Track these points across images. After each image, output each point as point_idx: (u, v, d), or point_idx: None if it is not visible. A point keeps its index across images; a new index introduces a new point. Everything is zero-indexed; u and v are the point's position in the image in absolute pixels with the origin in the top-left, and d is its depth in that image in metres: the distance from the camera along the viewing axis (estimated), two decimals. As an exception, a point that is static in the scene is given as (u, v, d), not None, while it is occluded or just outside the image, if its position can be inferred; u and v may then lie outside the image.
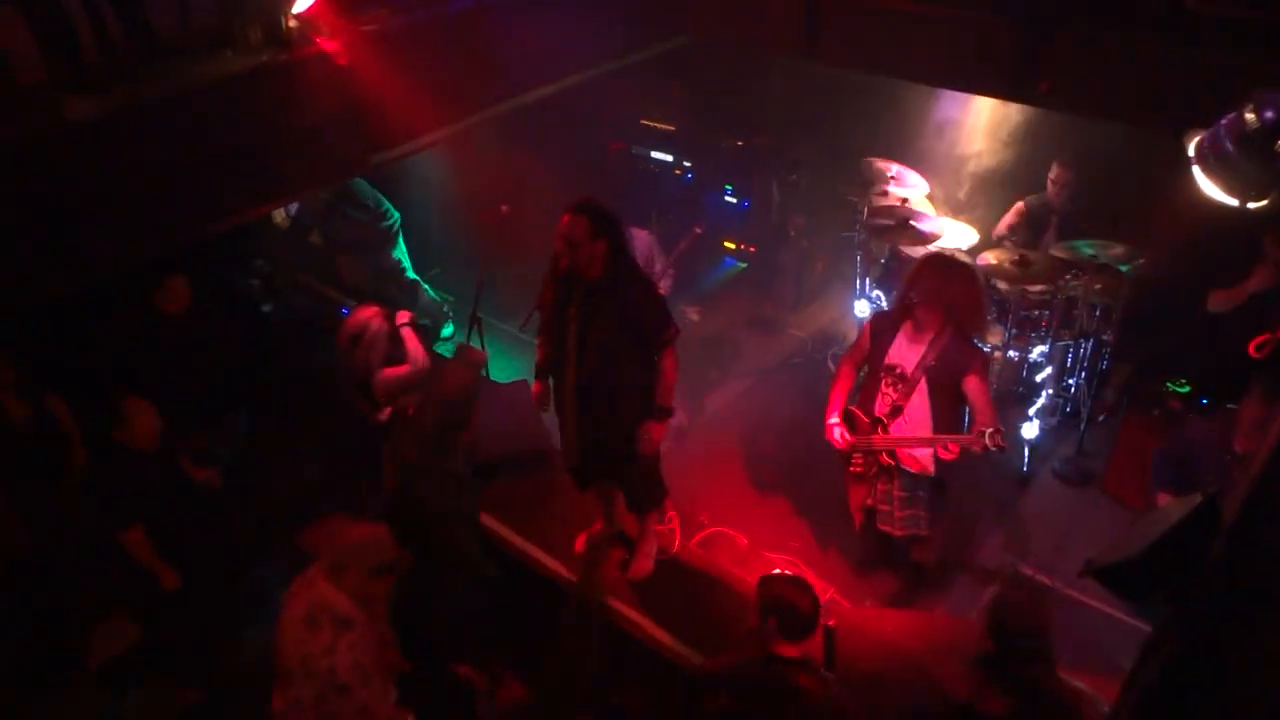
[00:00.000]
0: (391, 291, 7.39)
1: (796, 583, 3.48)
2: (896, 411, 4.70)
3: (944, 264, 4.67)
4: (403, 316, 4.95)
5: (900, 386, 4.68)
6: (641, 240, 6.33)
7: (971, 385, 4.51)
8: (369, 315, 4.76)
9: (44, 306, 4.65)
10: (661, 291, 6.07)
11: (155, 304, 5.21)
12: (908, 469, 4.79)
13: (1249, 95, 2.97)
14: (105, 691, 5.12)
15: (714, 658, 4.37)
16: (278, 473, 6.20)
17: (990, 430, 4.34)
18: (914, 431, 4.68)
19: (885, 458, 4.80)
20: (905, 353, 4.68)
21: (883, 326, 4.82)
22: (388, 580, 3.72)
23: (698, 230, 6.46)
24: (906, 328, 4.69)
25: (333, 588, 3.64)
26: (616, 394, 4.40)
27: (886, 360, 4.73)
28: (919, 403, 4.65)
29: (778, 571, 3.63)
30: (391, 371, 4.80)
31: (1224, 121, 3.08)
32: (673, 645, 4.77)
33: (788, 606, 3.36)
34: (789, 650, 3.39)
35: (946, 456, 4.57)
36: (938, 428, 4.63)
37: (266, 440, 6.25)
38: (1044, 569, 5.54)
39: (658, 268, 6.33)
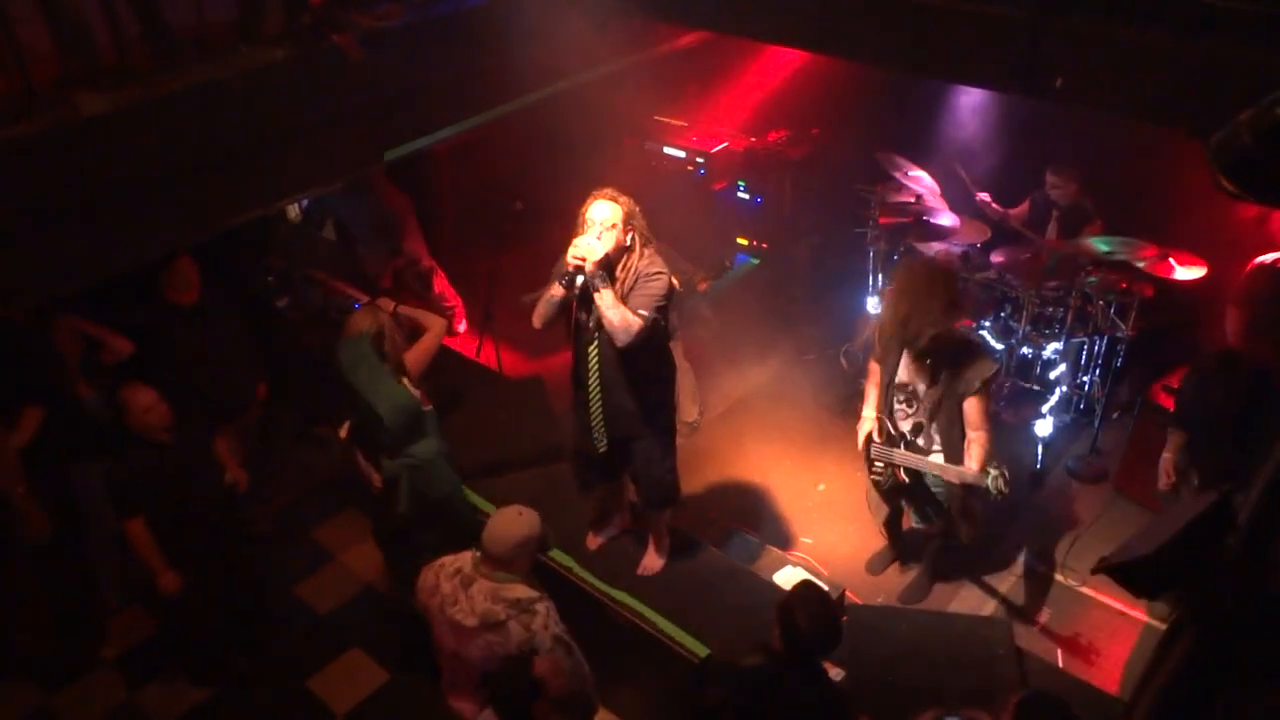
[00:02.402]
0: (409, 279, 7.41)
1: (808, 602, 3.42)
2: (918, 429, 4.67)
3: (899, 282, 4.56)
4: (388, 303, 4.95)
5: (918, 407, 4.63)
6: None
7: (971, 406, 4.48)
8: (370, 312, 4.69)
9: (59, 299, 4.69)
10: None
11: (168, 298, 5.22)
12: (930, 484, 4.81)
13: (1270, 91, 2.95)
14: (122, 683, 5.16)
15: (727, 653, 4.38)
16: (293, 467, 6.24)
17: (994, 474, 4.37)
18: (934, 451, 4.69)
19: (901, 474, 4.77)
20: (913, 370, 4.61)
21: (887, 338, 4.72)
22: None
23: (726, 265, 6.53)
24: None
25: (493, 582, 3.60)
26: (637, 371, 4.40)
27: (897, 380, 4.68)
28: (933, 423, 4.63)
29: (807, 584, 3.63)
30: (416, 352, 4.80)
31: (1243, 117, 3.06)
32: (684, 641, 4.78)
33: (788, 622, 3.35)
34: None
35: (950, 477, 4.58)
36: (949, 452, 4.61)
37: (282, 434, 6.29)
38: (1057, 566, 5.53)
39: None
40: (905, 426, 4.71)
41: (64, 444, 4.96)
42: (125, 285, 4.93)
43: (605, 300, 4.09)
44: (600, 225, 4.14)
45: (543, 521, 3.69)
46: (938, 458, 4.64)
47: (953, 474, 4.50)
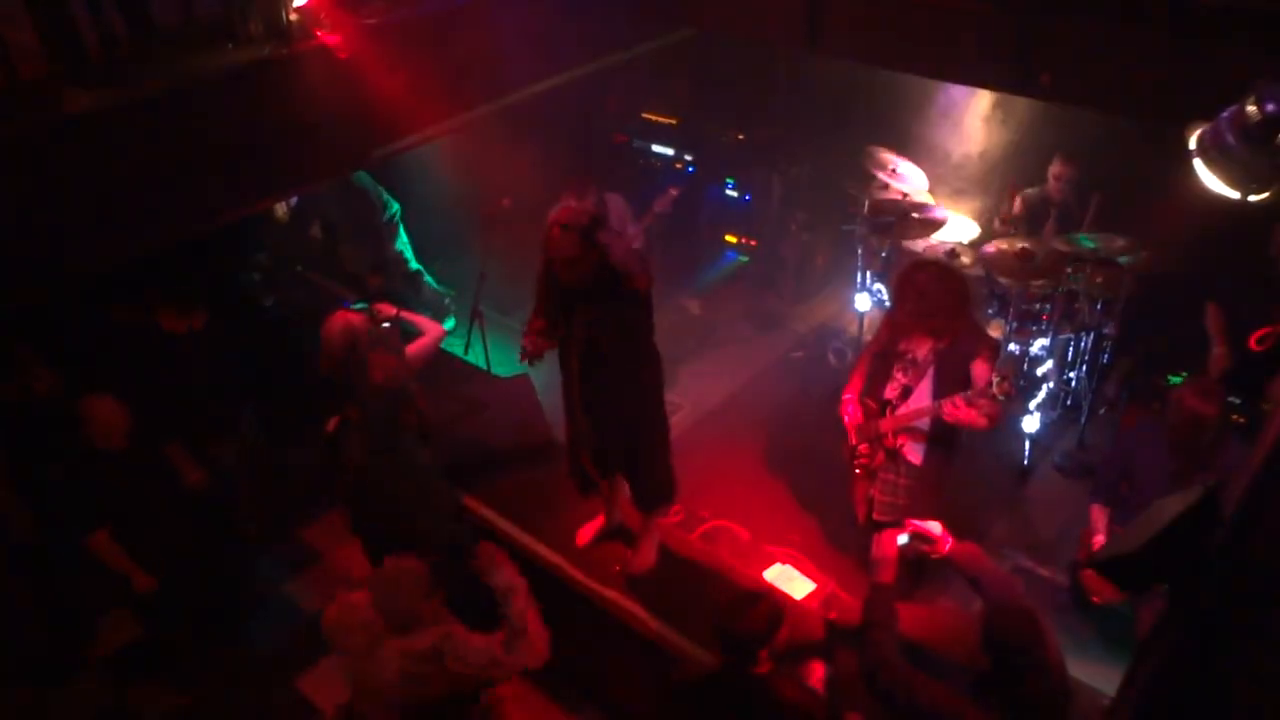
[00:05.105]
0: (395, 283, 7.40)
1: (736, 608, 3.48)
2: (906, 393, 4.70)
3: (915, 280, 4.60)
4: (387, 309, 4.95)
5: (911, 371, 4.69)
6: (615, 204, 6.33)
7: (979, 368, 4.51)
8: (342, 317, 4.65)
9: (44, 304, 4.67)
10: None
11: (161, 325, 5.20)
12: (908, 458, 4.80)
13: (1251, 87, 2.97)
14: (110, 684, 5.14)
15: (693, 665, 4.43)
16: (282, 467, 6.22)
17: (997, 379, 4.26)
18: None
19: (890, 440, 4.79)
20: (917, 341, 4.68)
21: (901, 314, 4.81)
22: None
23: (673, 192, 6.42)
24: None
25: (399, 639, 3.68)
26: (622, 381, 4.42)
27: (900, 347, 4.74)
28: (925, 386, 4.65)
29: (742, 595, 3.66)
30: (411, 352, 4.78)
31: (1225, 114, 3.08)
32: (673, 639, 4.78)
33: (721, 630, 3.43)
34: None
35: (947, 417, 4.53)
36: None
37: (272, 436, 6.26)
38: (1044, 562, 5.55)
39: (631, 230, 6.32)
40: (894, 395, 4.75)
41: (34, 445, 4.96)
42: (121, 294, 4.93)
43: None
44: (564, 260, 4.17)
45: (427, 567, 3.75)
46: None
47: (948, 403, 4.49)
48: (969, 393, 4.41)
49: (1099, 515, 4.86)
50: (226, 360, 5.47)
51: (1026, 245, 6.08)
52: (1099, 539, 4.81)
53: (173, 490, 4.92)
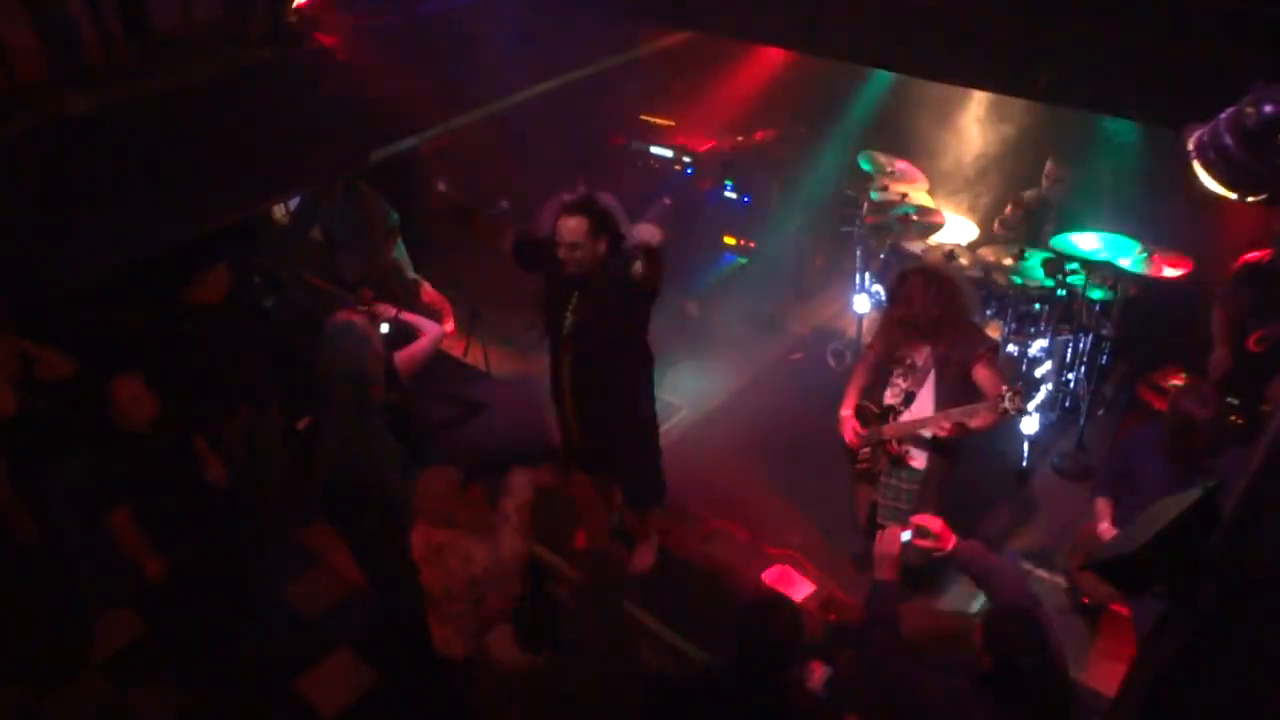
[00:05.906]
0: (392, 289, 7.39)
1: (765, 613, 3.44)
2: (909, 398, 4.69)
3: (901, 286, 4.64)
4: (387, 310, 4.94)
5: (912, 376, 4.68)
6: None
7: (981, 373, 4.49)
8: (344, 317, 4.65)
9: (50, 299, 4.67)
10: None
11: (180, 298, 5.20)
12: (911, 464, 4.80)
13: (1249, 89, 2.97)
14: (110, 685, 5.14)
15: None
16: (281, 467, 6.22)
17: (1009, 393, 4.23)
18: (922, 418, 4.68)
19: (894, 446, 4.79)
20: (917, 346, 4.68)
21: (893, 320, 4.81)
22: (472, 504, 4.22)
23: (666, 201, 6.40)
24: None
25: (428, 527, 4.11)
26: (611, 377, 4.43)
27: (899, 352, 4.74)
28: (928, 390, 4.65)
29: (762, 596, 3.65)
30: (408, 353, 4.79)
31: (1223, 115, 3.08)
32: (672, 640, 4.79)
33: (749, 634, 3.38)
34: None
35: (941, 433, 4.53)
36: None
37: (270, 435, 6.26)
38: (1043, 563, 5.55)
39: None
40: (895, 400, 4.74)
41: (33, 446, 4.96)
42: (137, 279, 4.92)
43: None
44: (569, 245, 4.21)
45: (461, 474, 4.13)
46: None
47: (957, 414, 4.46)
48: (973, 406, 4.40)
49: (1104, 506, 4.84)
50: (243, 337, 5.49)
51: (1023, 247, 6.11)
52: (1104, 526, 4.79)
53: (195, 480, 4.92)
